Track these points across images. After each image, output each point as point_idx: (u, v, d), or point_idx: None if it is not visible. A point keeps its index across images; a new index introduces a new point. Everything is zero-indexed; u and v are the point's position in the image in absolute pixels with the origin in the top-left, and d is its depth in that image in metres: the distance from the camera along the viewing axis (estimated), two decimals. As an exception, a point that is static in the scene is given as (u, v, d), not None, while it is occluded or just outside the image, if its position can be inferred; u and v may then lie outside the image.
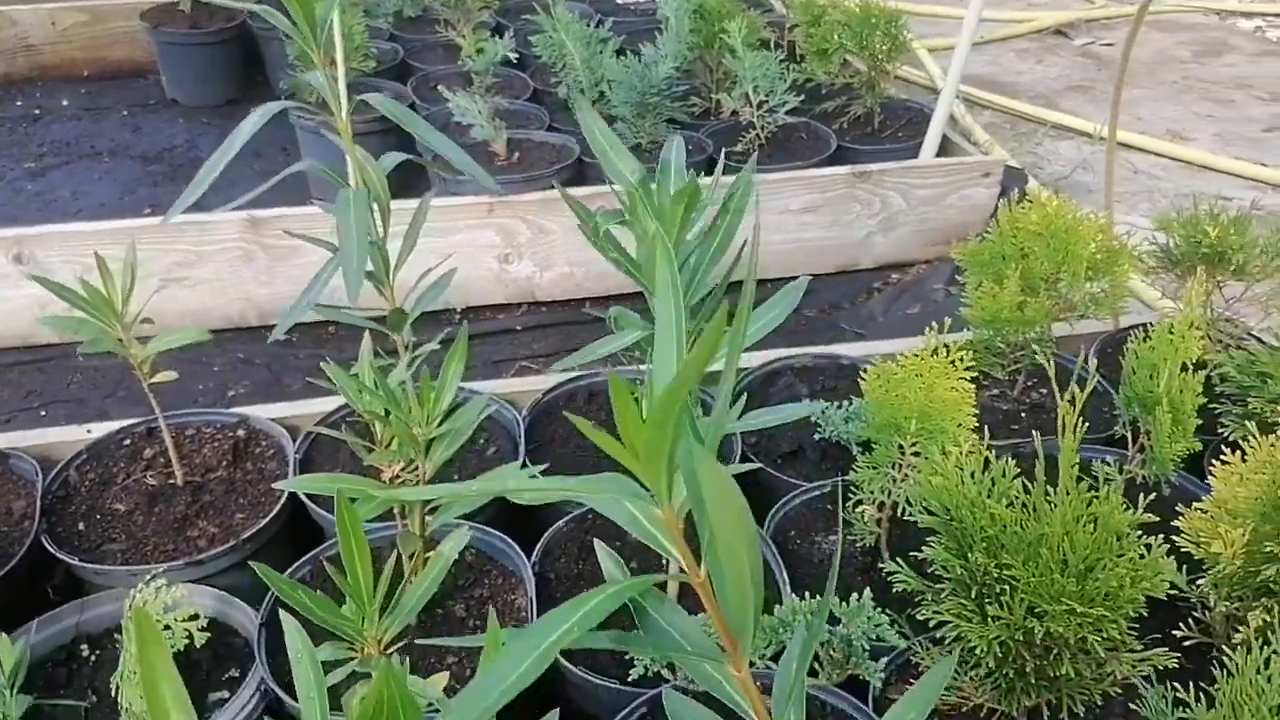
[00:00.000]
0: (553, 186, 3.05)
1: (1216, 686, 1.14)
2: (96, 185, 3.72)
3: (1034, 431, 1.38)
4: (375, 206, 1.54)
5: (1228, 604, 1.44)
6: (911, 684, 1.45)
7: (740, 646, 0.71)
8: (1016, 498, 1.29)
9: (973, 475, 1.33)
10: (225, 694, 1.59)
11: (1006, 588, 1.24)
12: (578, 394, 2.20)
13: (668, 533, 0.66)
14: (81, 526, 1.78)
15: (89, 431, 1.96)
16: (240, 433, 1.98)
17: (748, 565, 0.64)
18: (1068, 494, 1.22)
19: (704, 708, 0.87)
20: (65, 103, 4.40)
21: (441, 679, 1.32)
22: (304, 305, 1.54)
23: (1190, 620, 1.48)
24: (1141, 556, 1.22)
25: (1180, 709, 1.23)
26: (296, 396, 2.52)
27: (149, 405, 1.77)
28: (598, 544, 0.97)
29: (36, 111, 4.31)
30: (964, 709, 1.42)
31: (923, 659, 1.43)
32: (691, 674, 0.79)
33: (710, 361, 0.57)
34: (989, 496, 1.29)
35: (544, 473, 1.84)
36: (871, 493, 1.65)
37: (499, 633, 0.79)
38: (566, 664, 1.54)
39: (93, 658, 1.65)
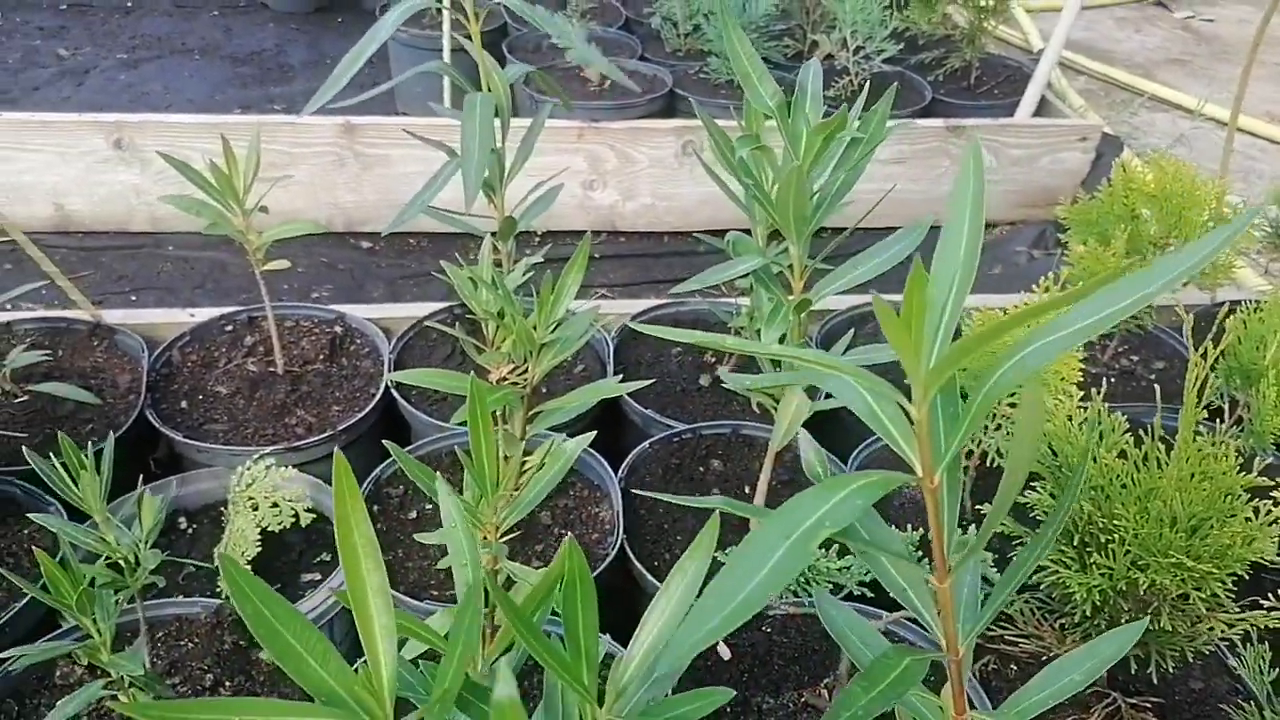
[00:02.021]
0: (643, 116, 3.05)
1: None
2: (187, 82, 3.76)
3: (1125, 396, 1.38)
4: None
5: (1321, 578, 1.44)
6: (990, 627, 1.47)
7: (950, 561, 0.71)
8: (1125, 450, 1.30)
9: (1082, 425, 1.33)
10: (317, 575, 1.64)
11: (1112, 538, 1.24)
12: (664, 320, 2.21)
13: (911, 432, 0.66)
14: (184, 405, 1.83)
15: (191, 315, 2.00)
16: (337, 329, 2.02)
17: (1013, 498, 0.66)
18: (1184, 450, 1.22)
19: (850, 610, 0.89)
20: (158, -3, 4.43)
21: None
22: (419, 204, 1.56)
23: (1275, 593, 1.48)
24: (1248, 520, 1.23)
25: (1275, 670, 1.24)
26: (378, 303, 2.56)
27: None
28: (802, 434, 0.99)
29: (129, 4, 4.34)
30: (1043, 658, 1.43)
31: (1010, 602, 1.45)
32: (877, 573, 0.80)
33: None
34: (1099, 447, 1.30)
35: (633, 394, 1.86)
36: (963, 440, 1.65)
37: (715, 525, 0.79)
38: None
39: (190, 530, 1.70)
